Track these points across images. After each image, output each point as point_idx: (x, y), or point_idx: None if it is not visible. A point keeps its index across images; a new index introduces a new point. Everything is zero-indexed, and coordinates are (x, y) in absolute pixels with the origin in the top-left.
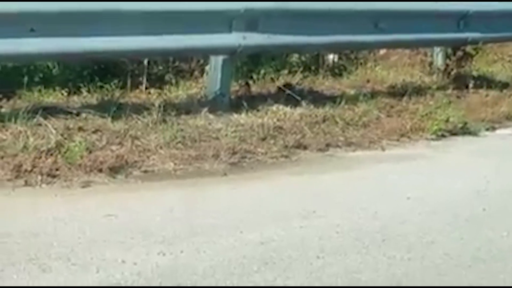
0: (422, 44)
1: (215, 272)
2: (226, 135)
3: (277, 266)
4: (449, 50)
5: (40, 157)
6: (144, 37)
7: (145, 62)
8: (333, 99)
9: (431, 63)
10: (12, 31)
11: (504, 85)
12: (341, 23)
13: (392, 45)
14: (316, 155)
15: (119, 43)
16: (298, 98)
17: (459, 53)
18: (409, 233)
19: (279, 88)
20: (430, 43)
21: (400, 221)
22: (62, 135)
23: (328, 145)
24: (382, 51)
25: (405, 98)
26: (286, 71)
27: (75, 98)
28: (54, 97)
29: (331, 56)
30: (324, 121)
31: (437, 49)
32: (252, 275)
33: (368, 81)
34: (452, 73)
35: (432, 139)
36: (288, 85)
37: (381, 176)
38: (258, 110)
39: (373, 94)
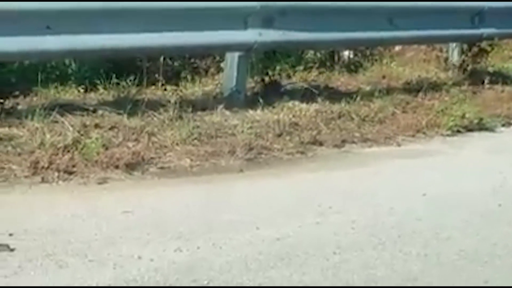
0: (437, 40)
1: (232, 268)
2: (242, 131)
3: (293, 262)
4: (465, 46)
5: (57, 154)
6: (160, 34)
7: (161, 59)
8: (348, 95)
9: (446, 59)
10: (28, 28)
11: None
12: (356, 20)
13: (407, 41)
14: (332, 151)
15: (135, 40)
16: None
17: (475, 49)
18: (425, 229)
19: (265, 85)
20: (445, 39)
21: (415, 217)
22: (78, 131)
23: (343, 141)
24: (398, 47)
25: (420, 94)
26: (301, 68)
27: (91, 95)
28: (70, 94)
29: (346, 53)
30: (339, 117)
31: (452, 45)
32: (268, 271)
33: (383, 77)
34: (468, 69)
35: (448, 135)
36: (274, 82)
37: (397, 172)
38: (273, 107)
39: (389, 90)
